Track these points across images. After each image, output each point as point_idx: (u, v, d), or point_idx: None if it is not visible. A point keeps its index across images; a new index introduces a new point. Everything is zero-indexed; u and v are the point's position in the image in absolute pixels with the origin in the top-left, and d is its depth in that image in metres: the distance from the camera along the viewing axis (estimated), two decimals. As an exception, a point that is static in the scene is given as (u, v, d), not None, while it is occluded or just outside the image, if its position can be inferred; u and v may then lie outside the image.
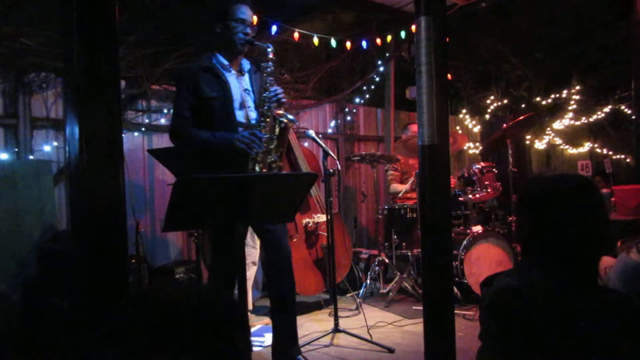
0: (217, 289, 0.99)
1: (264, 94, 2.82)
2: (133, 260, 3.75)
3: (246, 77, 2.98)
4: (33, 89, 4.10)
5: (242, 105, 2.90)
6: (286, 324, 2.93)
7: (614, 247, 1.50)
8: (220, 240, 2.86)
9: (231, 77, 2.91)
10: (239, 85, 2.92)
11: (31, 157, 3.98)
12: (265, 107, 2.80)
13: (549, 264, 1.39)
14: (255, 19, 2.92)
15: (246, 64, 3.00)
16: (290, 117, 2.85)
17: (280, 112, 2.80)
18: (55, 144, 4.14)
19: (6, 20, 3.81)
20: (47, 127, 4.17)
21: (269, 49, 2.85)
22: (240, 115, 2.88)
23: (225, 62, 2.92)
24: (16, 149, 3.98)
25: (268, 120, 2.79)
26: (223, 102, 2.83)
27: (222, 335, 0.92)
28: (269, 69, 2.84)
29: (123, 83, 4.41)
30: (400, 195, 5.07)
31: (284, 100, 2.86)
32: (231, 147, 2.73)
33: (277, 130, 2.80)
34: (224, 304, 0.96)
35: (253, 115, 2.92)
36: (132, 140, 4.54)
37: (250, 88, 2.96)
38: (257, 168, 2.73)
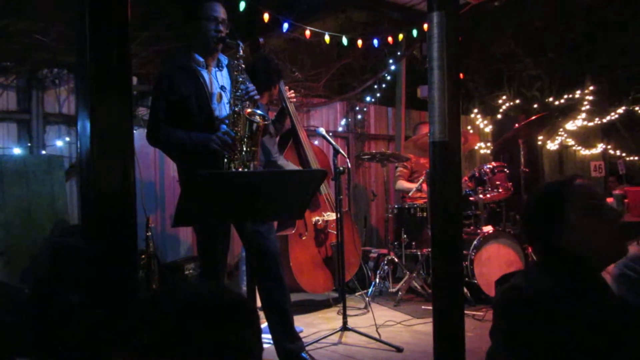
0: (227, 287, 0.99)
1: (237, 93, 2.77)
2: (143, 256, 3.77)
3: (224, 72, 2.94)
4: (46, 84, 4.14)
5: (220, 102, 2.86)
6: (281, 323, 2.89)
7: (623, 252, 1.52)
8: (206, 238, 2.85)
9: (207, 74, 2.87)
10: (216, 81, 2.88)
11: (43, 152, 4.02)
12: (238, 107, 2.75)
13: (555, 267, 1.42)
14: (224, 14, 2.84)
15: (224, 60, 2.96)
16: (259, 112, 2.77)
17: (250, 110, 2.73)
18: (67, 139, 4.18)
19: (20, 16, 3.84)
20: (59, 123, 4.20)
21: (240, 46, 2.79)
22: (218, 111, 2.84)
23: (201, 60, 2.87)
24: (29, 144, 4.02)
25: (239, 119, 2.74)
26: (199, 99, 2.80)
27: (233, 333, 0.92)
28: (240, 67, 2.79)
29: (135, 79, 4.43)
30: (410, 194, 5.05)
31: (256, 97, 2.81)
32: (207, 147, 2.70)
33: (247, 130, 2.73)
34: (234, 303, 0.96)
35: (228, 111, 2.88)
36: (143, 137, 4.53)
37: (227, 84, 2.92)
38: (232, 168, 2.69)
